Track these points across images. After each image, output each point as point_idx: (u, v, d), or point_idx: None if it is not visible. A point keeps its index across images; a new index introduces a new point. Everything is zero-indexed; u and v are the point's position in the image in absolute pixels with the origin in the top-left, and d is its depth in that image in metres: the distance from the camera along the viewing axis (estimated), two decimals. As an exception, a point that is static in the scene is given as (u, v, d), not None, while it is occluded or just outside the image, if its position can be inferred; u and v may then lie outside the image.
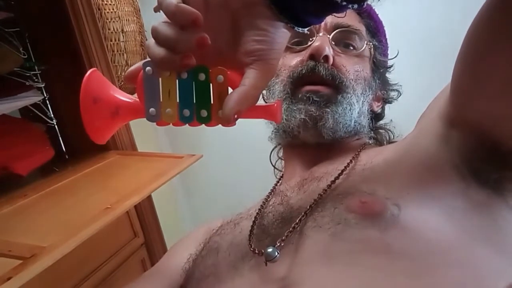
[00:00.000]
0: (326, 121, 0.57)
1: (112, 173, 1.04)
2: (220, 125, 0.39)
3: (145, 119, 0.40)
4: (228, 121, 0.36)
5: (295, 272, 0.43)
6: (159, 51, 0.35)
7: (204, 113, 0.39)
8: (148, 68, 0.38)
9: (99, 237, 0.76)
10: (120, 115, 0.41)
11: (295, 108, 0.58)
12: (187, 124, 0.40)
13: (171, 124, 0.40)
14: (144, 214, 1.29)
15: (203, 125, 0.40)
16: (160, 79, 0.39)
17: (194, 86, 0.38)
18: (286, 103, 0.59)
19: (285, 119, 0.59)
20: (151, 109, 0.39)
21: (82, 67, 1.11)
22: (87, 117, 0.39)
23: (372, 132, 0.69)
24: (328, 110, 0.57)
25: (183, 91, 0.39)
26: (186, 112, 0.39)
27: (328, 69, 0.58)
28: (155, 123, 0.40)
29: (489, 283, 0.37)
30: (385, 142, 0.71)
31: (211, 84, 0.38)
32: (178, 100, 0.39)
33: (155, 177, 0.89)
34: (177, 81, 0.38)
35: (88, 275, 1.00)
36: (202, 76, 0.38)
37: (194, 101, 0.39)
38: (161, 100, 0.39)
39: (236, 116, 0.36)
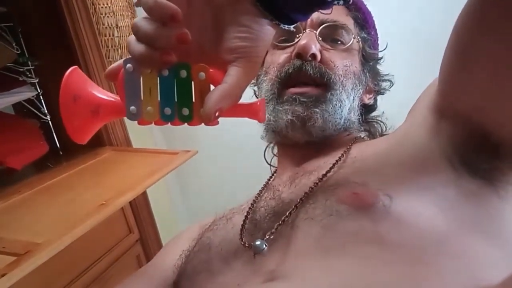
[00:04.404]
0: (315, 121, 0.56)
1: (106, 169, 1.04)
2: (203, 124, 0.38)
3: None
4: (209, 120, 0.35)
5: (286, 264, 0.43)
6: (139, 47, 0.35)
7: (185, 111, 0.38)
8: (128, 65, 0.37)
9: (94, 234, 0.76)
10: (100, 113, 0.40)
11: (281, 109, 0.57)
12: (169, 123, 0.39)
13: (152, 123, 0.39)
14: (139, 210, 1.29)
15: (186, 124, 0.39)
16: (141, 76, 0.38)
17: (175, 84, 0.37)
18: (272, 104, 0.59)
19: (273, 120, 0.58)
20: (132, 108, 0.38)
21: (76, 63, 1.11)
22: (67, 115, 0.38)
23: (363, 125, 0.69)
24: (317, 110, 0.56)
25: (164, 88, 0.37)
26: (168, 111, 0.38)
27: (316, 66, 0.57)
28: (136, 122, 0.39)
29: (482, 272, 0.37)
30: (377, 135, 0.71)
31: (193, 82, 0.37)
32: (159, 98, 0.38)
33: (150, 173, 0.89)
34: (158, 78, 0.37)
35: (83, 271, 1.01)
36: (183, 73, 0.37)
37: (176, 99, 0.38)
38: (142, 98, 0.38)
39: (217, 114, 0.35)
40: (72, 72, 0.39)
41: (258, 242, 0.45)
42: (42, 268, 0.60)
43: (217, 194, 1.73)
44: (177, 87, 0.37)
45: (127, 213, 1.22)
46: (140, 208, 1.29)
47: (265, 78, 0.62)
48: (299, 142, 0.60)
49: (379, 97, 0.72)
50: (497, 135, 0.41)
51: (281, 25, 0.37)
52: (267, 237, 0.46)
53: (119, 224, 1.19)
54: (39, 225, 0.72)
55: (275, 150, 0.73)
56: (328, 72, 0.58)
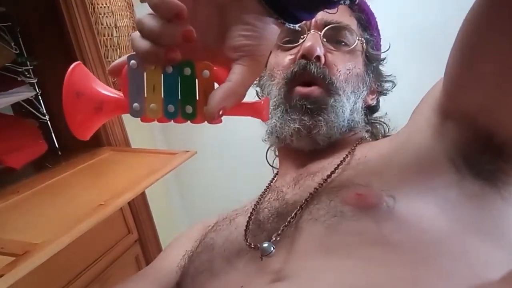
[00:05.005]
0: (320, 128, 0.57)
1: (105, 169, 1.04)
2: (206, 122, 0.37)
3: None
4: (213, 118, 0.35)
5: (290, 264, 0.43)
6: (143, 44, 0.35)
7: (189, 109, 0.37)
8: (132, 61, 0.37)
9: (92, 234, 0.76)
10: (103, 110, 0.40)
11: (289, 118, 0.58)
12: (172, 121, 0.39)
13: (155, 120, 0.39)
14: (138, 211, 1.28)
15: (189, 122, 0.39)
16: (144, 73, 0.37)
17: (179, 81, 0.37)
18: (280, 111, 0.59)
19: (279, 126, 0.59)
20: (135, 104, 0.38)
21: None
22: (70, 111, 0.38)
23: (367, 125, 0.69)
24: (321, 118, 0.57)
25: (168, 86, 0.37)
26: (171, 108, 0.38)
27: (320, 67, 0.58)
28: (139, 119, 0.39)
29: (484, 273, 0.37)
30: (380, 136, 0.71)
31: (196, 80, 0.37)
32: (163, 95, 0.38)
33: (149, 173, 0.89)
34: (162, 75, 0.37)
35: (81, 271, 1.00)
36: (187, 71, 0.36)
37: (179, 97, 0.38)
38: (145, 95, 0.38)
39: (221, 112, 0.35)
40: (75, 68, 0.39)
41: (265, 245, 0.45)
42: (41, 268, 0.60)
43: (216, 194, 1.73)
44: (181, 85, 0.37)
45: (126, 213, 1.22)
46: (139, 209, 1.29)
47: (272, 82, 0.62)
48: (303, 150, 0.60)
49: (382, 98, 0.73)
50: (501, 136, 0.41)
51: (286, 24, 0.37)
52: (274, 238, 0.46)
53: (118, 225, 1.19)
54: (38, 225, 0.71)
55: (277, 151, 0.73)
56: (331, 76, 0.58)
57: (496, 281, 0.37)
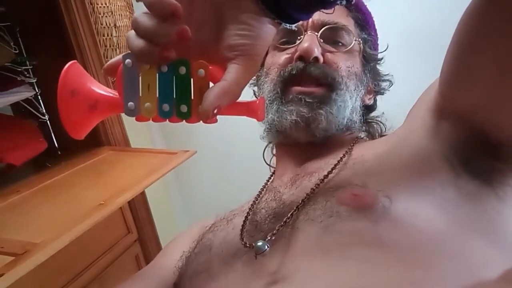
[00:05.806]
0: (319, 122, 0.56)
1: (105, 169, 1.04)
2: (201, 121, 0.37)
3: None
4: (207, 117, 0.35)
5: (287, 265, 0.43)
6: (138, 42, 0.35)
7: (184, 108, 0.37)
8: (128, 60, 0.37)
9: (92, 234, 0.76)
10: (98, 109, 0.39)
11: (285, 109, 0.57)
12: (167, 120, 0.39)
13: (150, 119, 0.39)
14: (138, 210, 1.29)
15: (184, 121, 0.39)
16: (140, 72, 0.37)
17: (174, 80, 0.37)
18: (276, 104, 0.59)
19: (277, 120, 0.58)
20: (130, 103, 0.38)
21: (74, 62, 1.10)
22: (64, 110, 0.38)
23: (364, 125, 0.69)
24: (322, 111, 0.56)
25: (163, 85, 0.37)
26: (166, 107, 0.38)
27: (320, 68, 0.57)
28: (134, 118, 0.39)
29: (481, 273, 0.37)
30: (377, 135, 0.71)
31: (192, 79, 0.37)
32: (158, 95, 0.38)
33: (148, 173, 0.89)
34: (157, 74, 0.37)
35: (81, 271, 1.00)
36: (182, 70, 0.37)
37: (174, 96, 0.38)
38: (140, 94, 0.38)
39: (215, 112, 0.35)
40: (71, 67, 0.39)
41: (260, 243, 0.45)
42: (40, 268, 0.60)
43: (215, 194, 1.73)
44: (176, 84, 0.37)
45: (126, 213, 1.22)
46: (138, 208, 1.29)
47: (266, 79, 0.62)
48: (301, 142, 0.60)
49: (379, 98, 0.73)
50: (497, 136, 0.41)
51: (283, 24, 0.37)
52: (269, 238, 0.46)
53: (117, 224, 1.19)
54: (38, 225, 0.72)
55: (274, 151, 0.73)
56: (332, 72, 0.58)
57: (493, 280, 0.37)
